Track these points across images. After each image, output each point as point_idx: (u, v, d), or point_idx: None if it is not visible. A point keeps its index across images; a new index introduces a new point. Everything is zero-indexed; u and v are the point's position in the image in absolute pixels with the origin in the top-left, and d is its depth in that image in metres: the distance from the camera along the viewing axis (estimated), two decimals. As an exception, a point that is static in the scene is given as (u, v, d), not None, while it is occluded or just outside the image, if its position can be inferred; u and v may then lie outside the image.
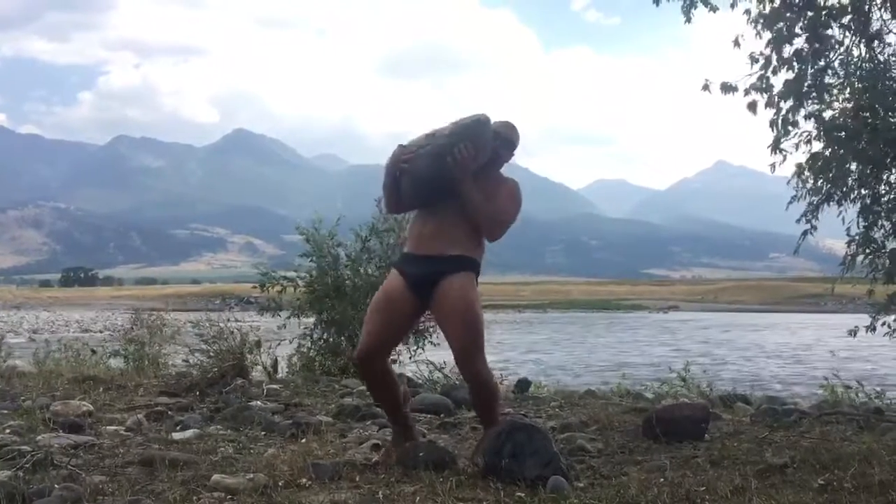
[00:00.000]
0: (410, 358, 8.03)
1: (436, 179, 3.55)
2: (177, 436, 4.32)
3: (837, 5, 5.41)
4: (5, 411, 5.09)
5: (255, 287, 8.96)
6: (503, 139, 3.73)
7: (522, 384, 7.71)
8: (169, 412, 5.11)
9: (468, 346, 3.48)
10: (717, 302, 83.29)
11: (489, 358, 3.65)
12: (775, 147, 5.72)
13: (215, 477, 3.23)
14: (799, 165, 5.71)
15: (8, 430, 4.31)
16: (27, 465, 3.39)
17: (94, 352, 8.65)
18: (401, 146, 3.66)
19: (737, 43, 5.81)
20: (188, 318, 8.12)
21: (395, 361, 8.18)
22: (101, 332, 32.45)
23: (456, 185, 3.52)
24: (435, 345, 7.68)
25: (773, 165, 5.85)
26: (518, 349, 25.96)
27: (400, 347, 8.19)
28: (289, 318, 8.55)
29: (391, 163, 3.65)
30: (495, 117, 3.74)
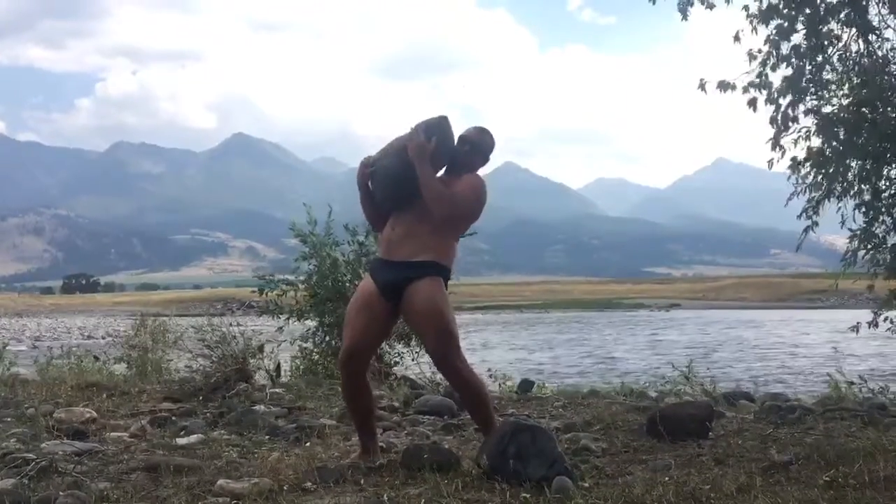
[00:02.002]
0: (413, 360, 8.02)
1: (402, 175, 3.63)
2: (181, 441, 4.33)
3: (835, 1, 5.40)
4: (9, 419, 5.10)
5: (253, 292, 8.96)
6: (472, 144, 3.75)
7: (525, 385, 7.72)
8: (173, 418, 5.12)
9: (439, 348, 3.55)
10: (719, 299, 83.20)
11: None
12: (775, 143, 5.71)
13: (220, 482, 3.24)
14: (794, 160, 5.71)
15: (13, 439, 4.32)
16: (32, 473, 3.40)
17: (96, 358, 8.65)
18: (364, 159, 3.78)
19: (737, 38, 5.80)
20: (190, 322, 8.10)
21: (397, 364, 8.21)
22: (103, 338, 32.46)
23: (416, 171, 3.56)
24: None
25: (770, 161, 5.85)
26: (519, 350, 25.94)
27: (403, 350, 8.20)
28: (288, 319, 8.55)
29: (359, 175, 3.78)
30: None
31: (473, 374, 3.71)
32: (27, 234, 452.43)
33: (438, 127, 3.69)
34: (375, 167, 3.71)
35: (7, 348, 8.43)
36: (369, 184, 3.78)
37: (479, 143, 3.78)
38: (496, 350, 24.69)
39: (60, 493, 3.14)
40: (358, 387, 3.70)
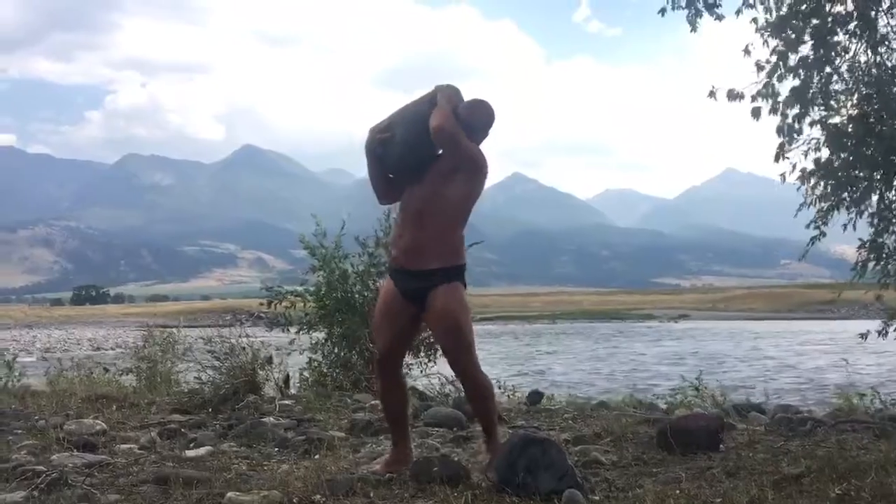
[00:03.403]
0: (422, 372, 8.01)
1: (419, 143, 3.62)
2: (190, 453, 4.33)
3: (844, 12, 5.40)
4: (20, 431, 5.11)
5: (262, 303, 8.97)
6: (464, 123, 3.66)
7: (534, 396, 7.69)
8: (182, 429, 5.12)
9: (454, 350, 3.65)
10: (728, 310, 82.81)
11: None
12: (780, 155, 5.72)
13: (229, 494, 3.23)
14: (803, 171, 5.71)
15: (23, 451, 4.33)
16: (42, 486, 3.40)
17: (106, 370, 8.66)
18: (375, 125, 3.77)
19: (747, 51, 5.82)
20: (199, 334, 8.12)
21: (405, 375, 8.19)
22: (112, 349, 32.55)
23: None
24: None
25: (783, 175, 5.85)
26: (528, 361, 25.87)
27: (411, 361, 8.19)
28: (298, 332, 8.54)
29: (370, 142, 3.76)
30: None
31: (484, 377, 3.78)
32: (37, 245, 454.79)
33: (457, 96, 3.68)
34: (391, 135, 3.67)
35: (17, 360, 8.44)
36: (377, 150, 3.75)
37: (471, 123, 3.69)
38: (505, 361, 24.62)
39: (71, 505, 3.15)
40: (395, 384, 3.86)
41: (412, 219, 3.66)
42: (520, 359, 26.64)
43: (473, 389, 3.74)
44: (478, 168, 3.68)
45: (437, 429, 5.22)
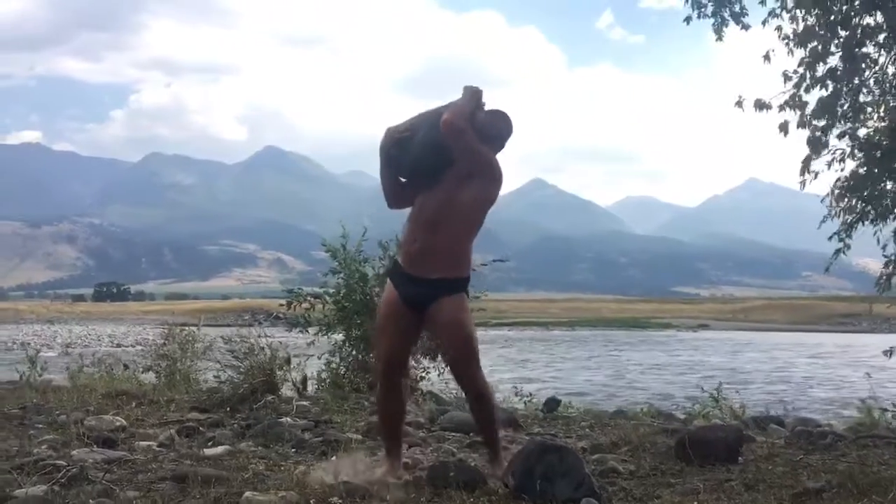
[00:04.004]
0: (439, 376, 8.01)
1: (437, 146, 3.58)
2: (208, 452, 4.35)
3: (873, 24, 5.36)
4: (41, 425, 5.17)
5: (281, 305, 9.01)
6: (477, 127, 3.62)
7: (551, 403, 7.65)
8: (200, 428, 5.15)
9: (462, 360, 3.66)
10: (748, 321, 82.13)
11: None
12: (805, 167, 5.67)
13: (247, 494, 3.25)
14: (833, 185, 5.65)
15: (44, 445, 4.38)
16: (63, 480, 3.44)
17: (126, 367, 8.74)
18: (390, 127, 3.74)
19: (767, 58, 5.78)
20: (218, 333, 8.17)
21: (422, 379, 8.20)
22: (132, 346, 32.83)
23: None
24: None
25: (802, 182, 5.80)
26: (545, 368, 25.80)
27: (428, 365, 8.20)
28: (317, 334, 8.58)
29: (385, 142, 3.73)
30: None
31: (491, 391, 3.79)
32: (61, 242, 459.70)
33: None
34: (410, 135, 3.65)
35: (39, 355, 8.53)
36: (391, 151, 3.72)
37: (483, 128, 3.66)
38: (520, 368, 24.57)
39: (91, 500, 3.18)
40: (397, 392, 3.82)
41: (426, 224, 3.64)
42: (535, 365, 26.56)
43: (478, 400, 3.73)
44: (493, 174, 3.66)
45: (453, 433, 5.22)
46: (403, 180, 3.84)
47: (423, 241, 3.64)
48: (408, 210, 3.88)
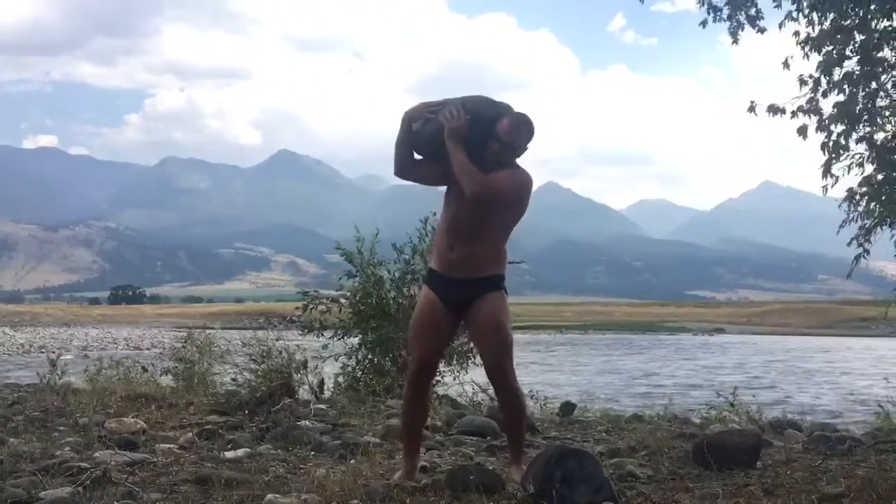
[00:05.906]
0: (455, 379, 8.03)
1: (442, 143, 3.61)
2: (228, 454, 4.39)
3: (890, 28, 5.33)
4: (63, 428, 5.24)
5: (297, 308, 9.06)
6: (502, 143, 3.61)
7: (567, 407, 7.66)
8: (219, 431, 5.19)
9: (498, 352, 3.69)
10: (764, 325, 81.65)
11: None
12: (826, 171, 5.64)
13: (269, 497, 3.28)
14: (851, 190, 5.62)
15: (67, 447, 4.43)
16: (87, 482, 3.48)
17: (144, 369, 8.81)
18: (425, 102, 3.75)
19: (786, 65, 5.77)
20: (234, 336, 8.24)
21: (438, 383, 8.22)
22: (149, 349, 33.05)
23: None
24: (479, 366, 7.68)
25: (824, 188, 5.77)
26: (562, 371, 25.75)
27: (444, 369, 8.22)
28: (332, 338, 8.62)
29: (413, 113, 3.72)
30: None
31: (521, 391, 3.85)
32: (77, 245, 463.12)
33: (480, 103, 3.66)
34: (435, 116, 3.64)
35: (60, 358, 8.62)
36: (414, 124, 3.71)
37: (510, 145, 3.64)
38: (534, 372, 24.54)
39: (115, 502, 3.22)
40: (424, 395, 3.88)
41: (464, 234, 3.65)
42: (551, 368, 26.52)
43: (509, 397, 3.76)
44: (524, 192, 3.69)
45: (471, 437, 5.24)
46: (418, 157, 3.83)
47: (462, 249, 3.66)
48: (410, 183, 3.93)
